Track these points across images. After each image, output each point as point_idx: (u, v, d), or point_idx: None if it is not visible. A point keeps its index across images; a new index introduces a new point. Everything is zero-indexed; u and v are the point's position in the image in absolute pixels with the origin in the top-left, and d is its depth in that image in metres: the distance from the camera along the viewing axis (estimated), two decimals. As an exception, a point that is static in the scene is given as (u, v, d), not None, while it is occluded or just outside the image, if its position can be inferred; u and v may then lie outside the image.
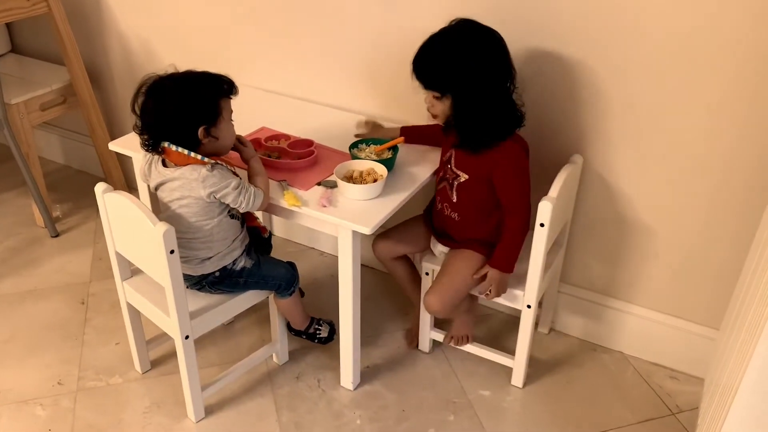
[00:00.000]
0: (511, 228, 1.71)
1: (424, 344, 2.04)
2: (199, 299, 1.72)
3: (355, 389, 1.92)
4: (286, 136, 1.92)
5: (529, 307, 1.79)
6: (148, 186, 1.68)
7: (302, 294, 1.95)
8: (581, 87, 1.78)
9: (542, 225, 1.65)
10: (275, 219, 2.45)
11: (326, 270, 2.41)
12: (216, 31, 2.32)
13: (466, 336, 1.96)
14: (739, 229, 1.73)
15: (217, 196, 1.57)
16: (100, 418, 1.83)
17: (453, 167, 1.73)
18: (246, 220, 1.76)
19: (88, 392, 1.91)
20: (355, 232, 1.61)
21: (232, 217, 1.67)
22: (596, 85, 1.76)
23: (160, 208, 1.65)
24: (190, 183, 1.55)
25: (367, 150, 1.81)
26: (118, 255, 1.75)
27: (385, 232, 1.93)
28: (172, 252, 1.52)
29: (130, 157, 1.91)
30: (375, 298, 2.27)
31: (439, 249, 1.87)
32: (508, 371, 1.94)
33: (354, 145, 1.82)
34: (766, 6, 1.49)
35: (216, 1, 2.27)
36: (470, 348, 1.97)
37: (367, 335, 2.07)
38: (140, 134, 1.59)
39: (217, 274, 1.68)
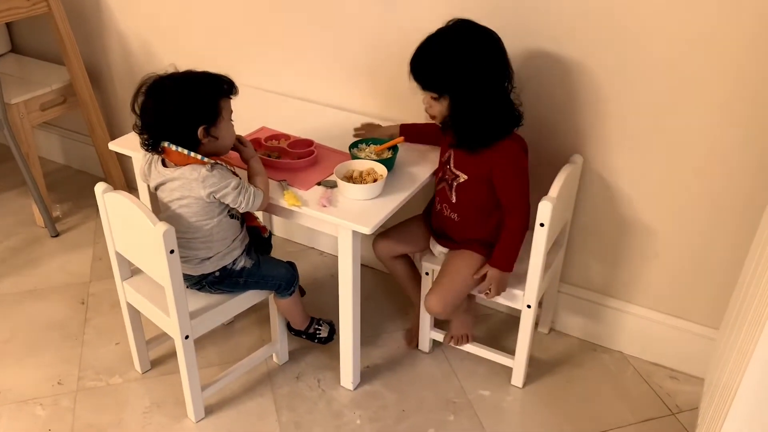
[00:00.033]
0: (511, 227, 1.71)
1: (424, 344, 2.04)
2: (199, 299, 1.72)
3: (355, 389, 1.92)
4: (286, 136, 1.92)
5: (529, 307, 1.79)
6: (148, 186, 1.68)
7: (303, 293, 1.96)
8: (581, 87, 1.78)
9: (542, 225, 1.65)
10: (275, 219, 2.45)
11: (326, 270, 2.41)
12: (216, 31, 2.32)
13: (466, 335, 1.96)
14: (739, 229, 1.73)
15: (217, 196, 1.57)
16: (100, 418, 1.83)
17: (452, 168, 1.73)
18: (246, 219, 1.76)
19: (88, 392, 1.91)
20: (355, 232, 1.61)
21: (232, 216, 1.67)
22: (596, 85, 1.76)
23: (159, 208, 1.65)
24: (190, 183, 1.55)
25: (367, 150, 1.81)
26: (118, 255, 1.75)
27: (385, 232, 1.93)
28: (172, 252, 1.52)
29: (130, 157, 1.91)
30: (375, 298, 2.27)
31: (439, 250, 1.87)
32: (508, 371, 1.94)
33: (354, 145, 1.82)
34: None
35: (216, 2, 2.27)
36: (470, 348, 1.97)
37: (367, 335, 2.06)
38: (140, 134, 1.59)
39: (217, 273, 1.69)
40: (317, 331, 1.94)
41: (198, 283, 1.70)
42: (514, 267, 1.74)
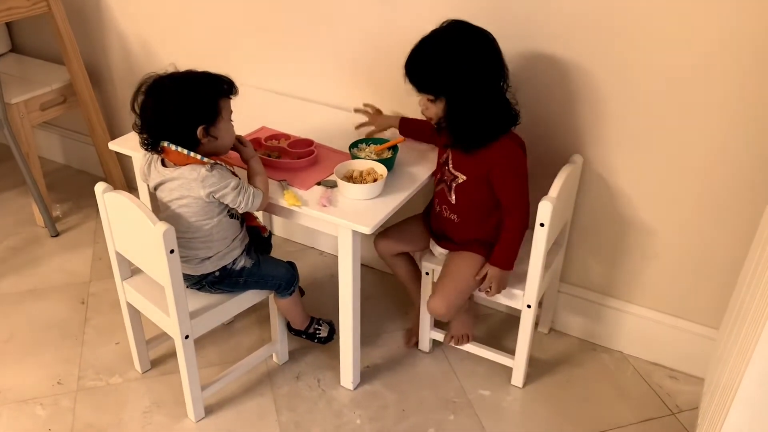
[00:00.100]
0: (510, 226, 1.71)
1: (424, 344, 2.04)
2: (199, 299, 1.72)
3: (355, 389, 1.92)
4: (286, 136, 1.92)
5: (529, 306, 1.79)
6: (148, 186, 1.68)
7: (302, 293, 1.96)
8: (581, 87, 1.78)
9: (542, 225, 1.65)
10: (275, 218, 2.45)
11: (326, 270, 2.41)
12: (216, 31, 2.32)
13: (466, 335, 1.96)
14: (739, 229, 1.73)
15: (216, 196, 1.57)
16: (100, 417, 1.83)
17: (451, 169, 1.73)
18: (246, 219, 1.76)
19: (88, 392, 1.91)
20: (355, 232, 1.61)
21: (232, 216, 1.67)
22: (596, 85, 1.76)
23: (159, 208, 1.65)
24: (189, 183, 1.55)
25: (367, 150, 1.82)
26: (118, 255, 1.75)
27: (386, 230, 1.93)
28: (171, 252, 1.52)
29: (130, 157, 1.91)
30: (375, 298, 2.27)
31: (439, 251, 1.86)
32: (508, 371, 1.94)
33: (354, 145, 1.82)
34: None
35: (216, 2, 2.27)
36: (470, 347, 1.97)
37: (367, 335, 2.06)
38: (140, 133, 1.59)
39: (217, 273, 1.68)
40: (317, 331, 1.94)
41: (198, 282, 1.70)
42: (514, 266, 1.74)
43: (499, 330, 2.14)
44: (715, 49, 1.58)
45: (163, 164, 1.60)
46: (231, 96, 1.61)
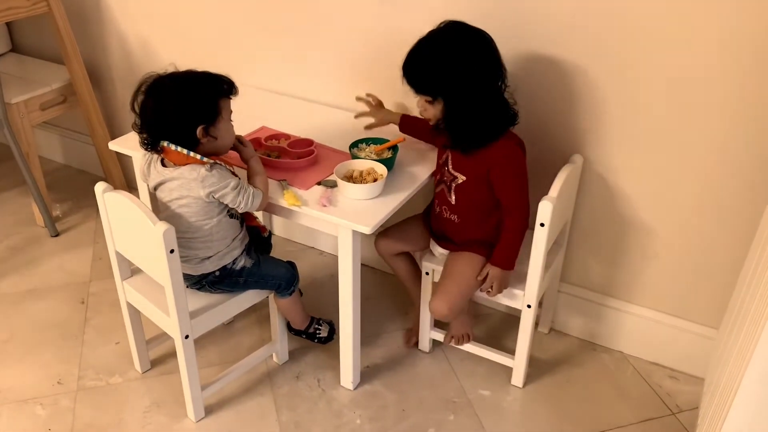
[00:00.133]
0: (511, 226, 1.71)
1: (424, 344, 2.04)
2: (199, 299, 1.72)
3: (355, 389, 1.92)
4: (286, 136, 1.92)
5: (529, 306, 1.79)
6: (148, 186, 1.68)
7: (300, 294, 1.95)
8: (581, 87, 1.78)
9: (542, 225, 1.65)
10: (275, 218, 2.45)
11: (326, 270, 2.41)
12: (216, 31, 2.32)
13: (466, 335, 1.96)
14: (739, 229, 1.73)
15: (216, 196, 1.57)
16: (100, 417, 1.83)
17: (450, 169, 1.73)
18: (246, 219, 1.76)
19: (88, 392, 1.91)
20: (355, 232, 1.61)
21: (232, 216, 1.67)
22: (596, 85, 1.76)
23: (159, 208, 1.65)
24: (189, 183, 1.55)
25: (367, 150, 1.81)
26: (118, 254, 1.75)
27: (387, 230, 1.93)
28: (172, 251, 1.52)
29: (130, 157, 1.91)
30: (375, 298, 2.27)
31: (439, 251, 1.86)
32: (508, 371, 1.94)
33: (354, 145, 1.82)
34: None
35: (216, 2, 2.27)
36: (470, 347, 1.97)
37: (367, 335, 2.06)
38: (139, 133, 1.59)
39: (217, 273, 1.68)
40: (317, 331, 1.94)
41: (198, 282, 1.70)
42: (515, 265, 1.74)
43: (499, 330, 2.14)
44: (715, 49, 1.58)
45: (163, 164, 1.60)
46: (231, 96, 1.61)
